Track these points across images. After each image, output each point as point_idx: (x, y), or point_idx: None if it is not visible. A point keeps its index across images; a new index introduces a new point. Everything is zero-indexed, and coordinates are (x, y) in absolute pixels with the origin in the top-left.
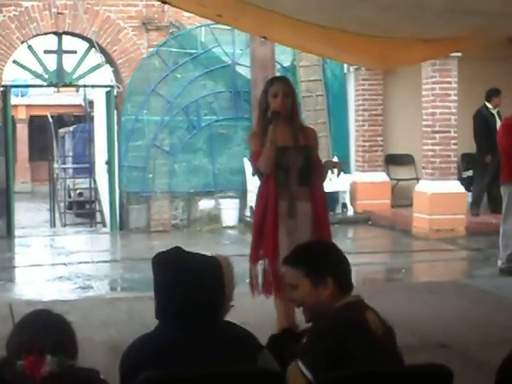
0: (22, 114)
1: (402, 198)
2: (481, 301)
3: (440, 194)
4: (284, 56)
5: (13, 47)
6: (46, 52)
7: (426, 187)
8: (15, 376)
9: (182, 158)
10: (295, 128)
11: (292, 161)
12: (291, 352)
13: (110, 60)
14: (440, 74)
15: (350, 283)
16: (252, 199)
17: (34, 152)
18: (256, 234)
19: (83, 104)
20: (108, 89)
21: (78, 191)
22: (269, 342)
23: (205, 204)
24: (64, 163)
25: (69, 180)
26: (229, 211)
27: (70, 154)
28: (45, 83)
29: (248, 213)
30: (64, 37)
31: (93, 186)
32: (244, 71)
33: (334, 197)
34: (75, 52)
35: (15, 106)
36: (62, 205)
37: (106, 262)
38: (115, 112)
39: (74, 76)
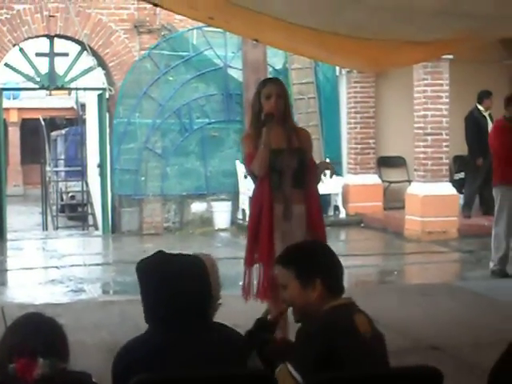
0: (13, 117)
1: (394, 200)
2: (473, 303)
3: (432, 196)
4: (276, 59)
5: (4, 50)
6: (37, 55)
7: (418, 189)
8: (7, 379)
9: (174, 160)
10: (289, 130)
11: (286, 163)
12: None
13: (101, 63)
14: (432, 76)
15: (340, 286)
16: (244, 202)
17: (26, 155)
18: (251, 238)
19: (75, 107)
20: (100, 92)
21: (70, 194)
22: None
23: (197, 207)
24: (56, 166)
25: (61, 183)
26: (221, 214)
27: (62, 156)
28: (37, 86)
29: (240, 215)
30: (56, 40)
31: (85, 188)
32: (236, 74)
33: (326, 199)
34: (67, 55)
35: (7, 109)
36: (54, 208)
37: (98, 265)
38: (107, 115)
39: (66, 79)
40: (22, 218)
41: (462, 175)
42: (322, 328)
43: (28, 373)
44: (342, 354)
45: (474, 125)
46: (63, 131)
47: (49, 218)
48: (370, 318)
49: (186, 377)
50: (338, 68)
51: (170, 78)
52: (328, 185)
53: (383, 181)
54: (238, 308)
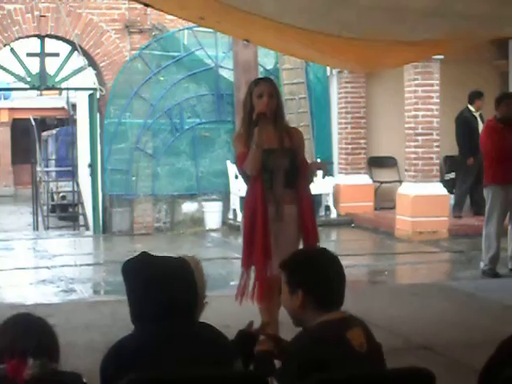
0: (4, 117)
1: (385, 200)
2: (463, 303)
3: (423, 196)
4: (267, 59)
5: None
6: (28, 55)
7: (409, 189)
8: None
9: (165, 160)
10: (280, 129)
11: (277, 163)
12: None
13: (92, 63)
14: (422, 76)
15: (332, 300)
16: (235, 202)
17: (17, 155)
18: (246, 239)
19: (66, 107)
20: (91, 92)
21: (60, 194)
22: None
23: (188, 207)
24: (47, 166)
25: (52, 183)
26: (212, 214)
27: (53, 157)
28: (27, 86)
29: (231, 215)
30: (47, 40)
31: (76, 189)
32: (227, 74)
33: (317, 199)
34: (58, 55)
35: None
36: (44, 208)
37: (89, 265)
38: (98, 115)
39: (57, 79)
40: (13, 218)
41: (452, 175)
42: (310, 343)
43: (18, 373)
44: (332, 369)
45: (464, 125)
46: (54, 131)
47: (39, 218)
48: (368, 331)
49: (178, 377)
50: (328, 68)
51: (161, 78)
52: (319, 185)
53: (374, 181)
54: (229, 308)
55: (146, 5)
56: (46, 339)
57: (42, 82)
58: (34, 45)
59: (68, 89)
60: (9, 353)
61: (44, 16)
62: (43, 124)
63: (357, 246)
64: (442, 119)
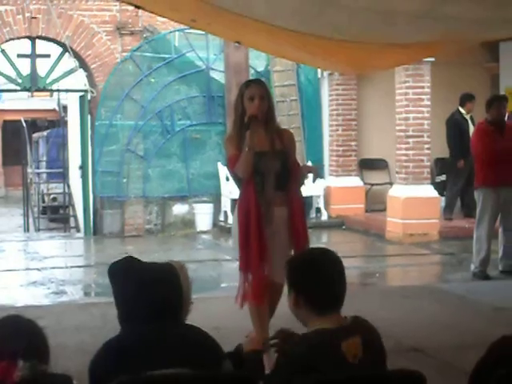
0: None
1: (375, 202)
2: (454, 305)
3: (413, 198)
4: (258, 61)
5: None
6: (19, 56)
7: (400, 192)
8: None
9: (155, 162)
10: (272, 131)
11: (269, 166)
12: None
13: (83, 64)
14: (413, 78)
15: (325, 302)
16: (226, 204)
17: (8, 157)
18: (242, 243)
19: (57, 109)
20: (82, 93)
21: (51, 196)
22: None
23: (179, 209)
24: (38, 168)
25: (43, 185)
26: (203, 216)
27: (44, 158)
28: (18, 88)
29: (222, 217)
30: (38, 41)
31: (67, 190)
32: (218, 76)
33: (308, 201)
34: (49, 56)
35: None
36: (35, 210)
37: (79, 267)
38: (89, 117)
39: (48, 80)
40: (4, 220)
41: (443, 178)
42: (305, 351)
43: (8, 375)
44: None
45: (455, 127)
46: (45, 133)
47: (30, 220)
48: (368, 340)
49: (167, 377)
50: (319, 70)
51: (152, 80)
52: (310, 187)
53: (365, 183)
54: (219, 310)
55: (137, 7)
56: (35, 341)
57: (33, 84)
58: (24, 46)
59: (59, 90)
60: None
61: (35, 17)
62: (34, 126)
63: (347, 248)
64: (432, 121)
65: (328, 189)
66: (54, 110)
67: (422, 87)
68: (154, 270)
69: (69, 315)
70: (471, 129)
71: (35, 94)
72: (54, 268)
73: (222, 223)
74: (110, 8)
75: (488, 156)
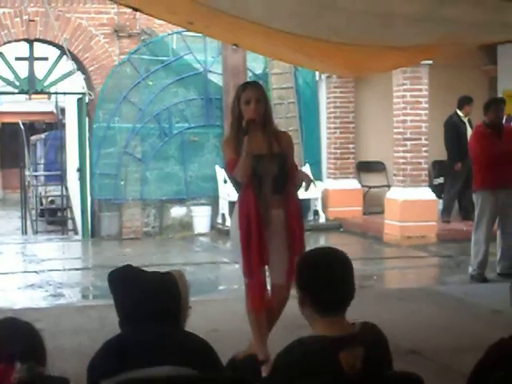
0: None
1: (373, 205)
2: (452, 307)
3: (411, 201)
4: (256, 63)
5: None
6: (17, 59)
7: (398, 194)
8: None
9: (153, 165)
10: (269, 134)
11: (266, 169)
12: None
13: (81, 67)
14: (411, 81)
15: (330, 306)
16: (224, 206)
17: (6, 159)
18: (244, 247)
19: (55, 111)
20: (80, 96)
21: (49, 199)
22: (230, 362)
23: (177, 211)
24: (36, 170)
25: (40, 187)
26: (201, 218)
27: (42, 161)
28: (16, 90)
29: (220, 220)
30: (35, 44)
31: (64, 193)
32: (216, 78)
33: (305, 204)
34: (47, 59)
35: None
36: (33, 212)
37: (77, 269)
38: (87, 119)
39: (46, 83)
40: (1, 223)
41: (441, 180)
42: (301, 357)
43: (6, 378)
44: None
45: (453, 130)
46: (43, 135)
47: (28, 223)
48: (372, 352)
49: (166, 378)
50: (317, 73)
51: (150, 83)
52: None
53: (363, 186)
54: (217, 313)
55: (135, 9)
56: (32, 343)
57: (31, 86)
58: (22, 49)
59: (57, 93)
60: None
61: (33, 20)
62: (32, 128)
63: (345, 250)
64: (430, 124)
65: (326, 191)
66: (51, 113)
67: (420, 90)
68: (153, 280)
69: (66, 318)
70: (469, 131)
71: (33, 96)
72: (51, 270)
73: (220, 226)
74: (107, 11)
75: (486, 159)
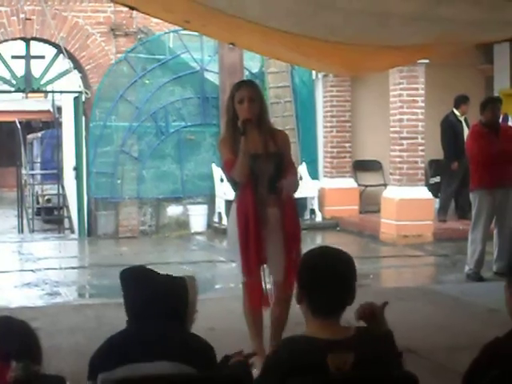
0: None
1: (369, 203)
2: (448, 306)
3: (407, 200)
4: (252, 62)
5: None
6: (13, 57)
7: (394, 193)
8: None
9: (150, 164)
10: (265, 133)
11: (262, 169)
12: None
13: (78, 66)
14: (407, 80)
15: (321, 308)
16: (220, 205)
17: (2, 158)
18: (242, 245)
19: (51, 110)
20: (76, 95)
21: (46, 197)
22: (223, 360)
23: (173, 210)
24: (32, 169)
25: (37, 186)
26: (197, 217)
27: (38, 159)
28: (12, 89)
29: (216, 219)
30: (32, 42)
31: (61, 192)
32: (212, 77)
33: (302, 203)
34: (43, 57)
35: None
36: (30, 211)
37: (73, 268)
38: (83, 118)
39: (42, 82)
40: None
41: (437, 179)
42: (288, 358)
43: (1, 376)
44: None
45: (449, 129)
46: (39, 134)
47: (24, 221)
48: (364, 360)
49: (164, 376)
50: (314, 72)
51: (147, 82)
52: (304, 188)
53: (359, 184)
54: (214, 311)
55: (132, 8)
56: (28, 342)
57: (28, 85)
58: (19, 47)
59: (53, 92)
60: None
61: (29, 19)
62: (28, 127)
63: (342, 249)
64: (426, 123)
65: (322, 190)
66: (48, 112)
67: (417, 89)
68: (164, 282)
69: (63, 317)
70: (465, 131)
71: (30, 95)
72: (48, 269)
73: (217, 224)
74: (104, 9)
75: (483, 158)
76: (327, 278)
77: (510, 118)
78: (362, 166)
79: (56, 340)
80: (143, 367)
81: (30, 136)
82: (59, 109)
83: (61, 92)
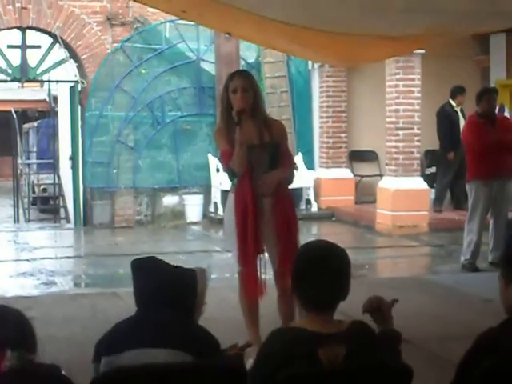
0: None
1: (365, 194)
2: (443, 296)
3: (403, 190)
4: (249, 52)
5: None
6: (9, 47)
7: (390, 184)
8: None
9: (146, 153)
10: (259, 123)
11: (258, 159)
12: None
13: (74, 55)
14: (403, 70)
15: (310, 303)
16: (216, 195)
17: None
18: (240, 235)
19: (47, 99)
20: (72, 84)
21: (42, 187)
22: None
23: (169, 200)
24: (28, 159)
25: (33, 175)
26: (193, 207)
27: (34, 149)
28: (8, 78)
29: (212, 209)
30: (28, 32)
31: (57, 181)
32: (208, 67)
33: (298, 193)
34: (39, 47)
35: None
36: (25, 200)
37: (69, 257)
38: (79, 107)
39: (38, 71)
40: None
41: (433, 170)
42: (280, 349)
43: None
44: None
45: (445, 119)
46: (35, 123)
47: (20, 211)
48: (355, 351)
49: (163, 367)
50: (310, 62)
51: (143, 71)
52: (300, 178)
53: (355, 175)
54: (209, 301)
55: None
56: (22, 330)
57: (23, 74)
58: (15, 37)
59: (49, 81)
60: None
61: (25, 8)
62: (24, 116)
63: (337, 239)
64: (422, 114)
65: (318, 180)
66: (44, 101)
67: (413, 79)
68: (174, 272)
69: (58, 306)
70: (461, 121)
71: (25, 84)
72: (43, 259)
73: (212, 214)
74: None
75: (480, 149)
76: (319, 271)
77: (506, 109)
78: (357, 157)
79: (51, 329)
80: (146, 353)
81: (25, 125)
82: (55, 98)
83: (57, 81)
